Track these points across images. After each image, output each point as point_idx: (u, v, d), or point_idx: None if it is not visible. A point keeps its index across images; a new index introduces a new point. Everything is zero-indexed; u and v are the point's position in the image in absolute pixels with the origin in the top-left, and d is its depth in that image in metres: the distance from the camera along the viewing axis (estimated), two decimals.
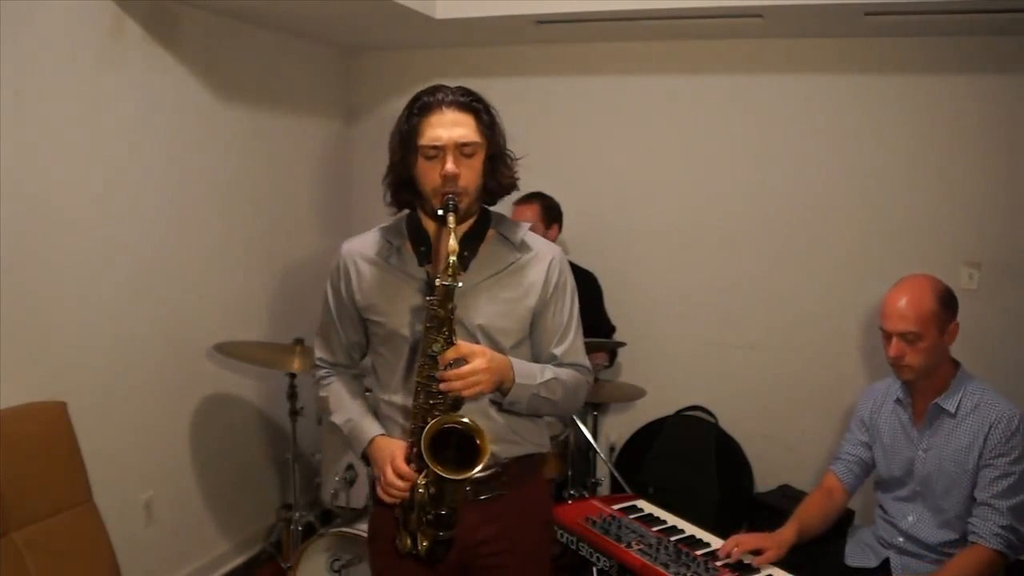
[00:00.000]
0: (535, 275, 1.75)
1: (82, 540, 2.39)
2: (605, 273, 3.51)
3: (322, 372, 1.90)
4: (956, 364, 2.20)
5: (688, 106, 3.47)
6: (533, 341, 1.80)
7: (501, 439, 1.70)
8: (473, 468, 1.56)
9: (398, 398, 1.76)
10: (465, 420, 1.59)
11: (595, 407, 3.19)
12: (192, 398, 3.13)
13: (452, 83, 1.69)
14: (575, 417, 2.92)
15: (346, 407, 1.83)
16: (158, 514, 2.95)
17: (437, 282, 1.58)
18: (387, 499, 1.70)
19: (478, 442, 1.57)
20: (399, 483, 1.65)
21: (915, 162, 3.17)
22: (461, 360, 1.59)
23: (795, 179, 3.34)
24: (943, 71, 3.10)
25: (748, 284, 3.45)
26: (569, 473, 3.08)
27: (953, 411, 2.14)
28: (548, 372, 1.74)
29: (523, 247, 1.76)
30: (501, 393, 1.68)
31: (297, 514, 3.10)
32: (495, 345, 1.70)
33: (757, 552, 2.11)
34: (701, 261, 3.52)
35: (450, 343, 1.59)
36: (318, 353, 1.90)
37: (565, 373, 1.77)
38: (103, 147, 2.63)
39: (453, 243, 1.56)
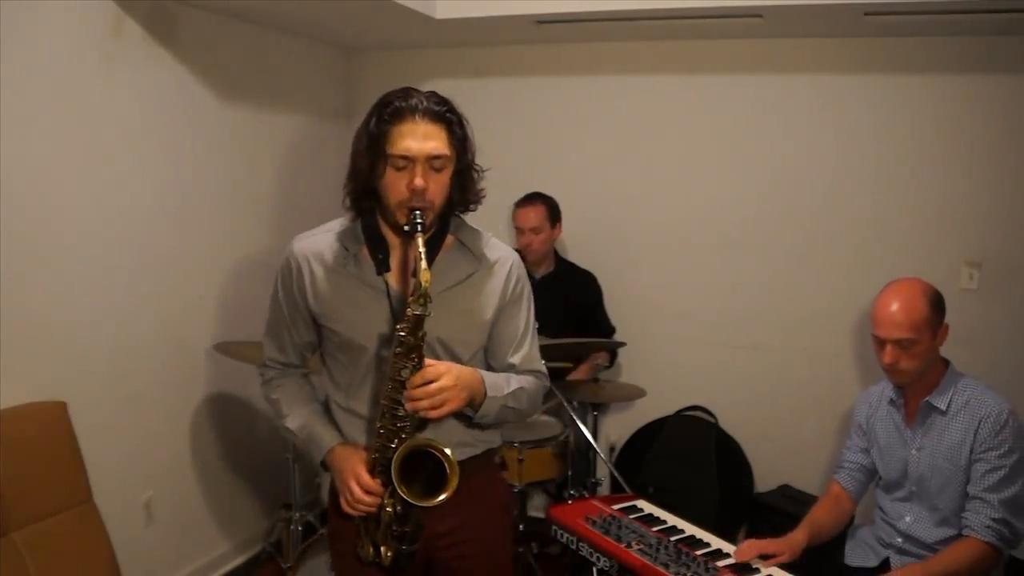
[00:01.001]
0: (494, 284, 1.73)
1: (82, 540, 2.39)
2: (605, 273, 3.51)
3: (272, 373, 1.84)
4: (946, 362, 2.20)
5: (688, 106, 3.46)
6: (489, 348, 1.78)
7: (457, 443, 1.69)
8: (440, 494, 1.57)
9: (356, 405, 1.74)
10: (440, 447, 1.59)
11: (595, 407, 3.18)
12: (192, 398, 3.13)
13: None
14: (575, 417, 2.92)
15: (300, 412, 1.79)
16: (158, 514, 2.95)
17: (408, 311, 1.54)
18: (353, 513, 1.68)
19: (447, 469, 1.58)
20: (368, 499, 1.64)
21: (916, 162, 3.16)
22: (429, 383, 1.57)
23: (796, 179, 3.34)
24: (943, 71, 3.09)
25: (748, 284, 3.45)
26: (569, 473, 3.08)
27: (944, 408, 2.14)
28: (513, 382, 1.73)
29: (483, 258, 1.73)
30: (472, 408, 1.67)
31: (297, 514, 3.10)
32: (454, 357, 1.70)
33: (769, 556, 2.09)
34: (701, 261, 3.51)
35: (418, 369, 1.57)
36: (268, 353, 1.82)
37: (527, 381, 1.77)
38: (103, 147, 2.63)
39: (426, 273, 1.51)
